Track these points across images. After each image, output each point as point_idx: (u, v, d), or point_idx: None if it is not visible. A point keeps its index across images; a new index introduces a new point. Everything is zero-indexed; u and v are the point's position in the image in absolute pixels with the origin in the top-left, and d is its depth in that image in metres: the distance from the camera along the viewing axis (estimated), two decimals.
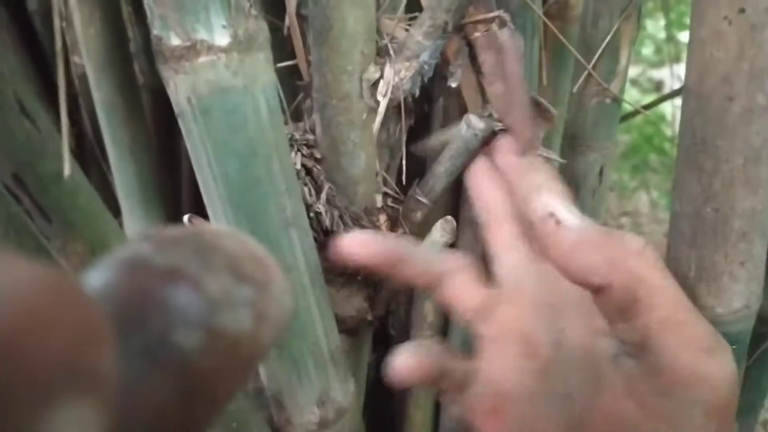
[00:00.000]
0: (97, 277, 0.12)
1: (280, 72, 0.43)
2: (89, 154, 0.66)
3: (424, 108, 0.64)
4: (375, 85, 0.37)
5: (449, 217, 0.39)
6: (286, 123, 0.41)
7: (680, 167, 0.32)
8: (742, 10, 0.27)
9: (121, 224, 0.59)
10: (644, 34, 2.30)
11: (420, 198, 0.41)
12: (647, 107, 0.56)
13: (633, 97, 2.31)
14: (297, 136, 0.39)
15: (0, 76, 0.20)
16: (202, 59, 0.28)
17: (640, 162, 2.19)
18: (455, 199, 0.66)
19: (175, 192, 0.65)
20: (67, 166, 0.21)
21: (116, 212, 0.59)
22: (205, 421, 0.12)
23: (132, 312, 0.11)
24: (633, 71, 2.40)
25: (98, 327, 0.10)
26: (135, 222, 0.58)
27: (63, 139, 0.21)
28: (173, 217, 0.56)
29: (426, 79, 0.38)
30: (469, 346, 0.66)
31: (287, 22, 0.41)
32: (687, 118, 0.31)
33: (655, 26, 2.24)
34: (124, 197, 0.57)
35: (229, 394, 0.13)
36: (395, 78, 0.37)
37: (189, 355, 0.11)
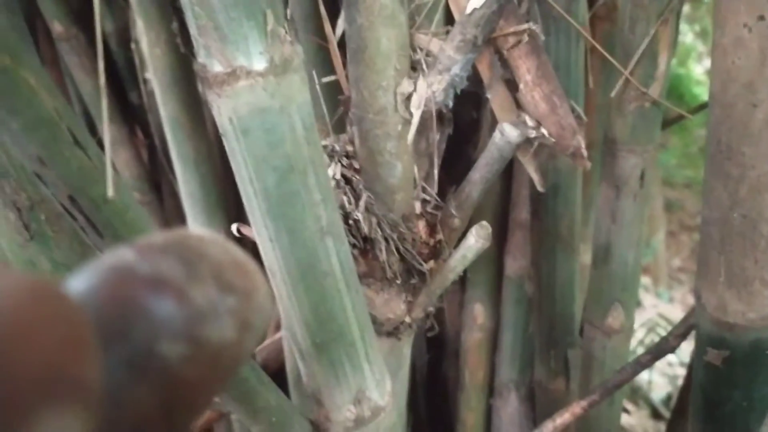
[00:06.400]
0: (81, 284, 0.12)
1: (324, 86, 0.45)
2: (159, 165, 0.71)
3: (473, 114, 0.65)
4: (409, 98, 0.39)
5: (484, 223, 0.40)
6: (328, 135, 0.43)
7: (707, 174, 0.32)
8: (761, 18, 0.27)
9: None
10: None
11: (455, 206, 0.42)
12: (697, 110, 0.55)
13: (706, 98, 2.20)
14: (337, 147, 0.41)
15: (55, 113, 0.24)
16: (242, 83, 0.31)
17: None
18: (505, 202, 0.66)
19: (237, 200, 0.69)
20: (110, 190, 0.24)
21: (182, 220, 0.63)
22: (185, 427, 0.12)
23: (116, 321, 0.11)
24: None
25: (84, 337, 0.10)
26: (199, 228, 0.62)
27: (107, 168, 0.24)
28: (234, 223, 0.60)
29: (458, 91, 0.40)
30: (519, 348, 0.67)
31: None
32: (712, 126, 0.31)
33: None
34: (189, 205, 0.62)
35: (209, 400, 0.13)
36: (428, 91, 0.38)
37: (172, 366, 0.11)
